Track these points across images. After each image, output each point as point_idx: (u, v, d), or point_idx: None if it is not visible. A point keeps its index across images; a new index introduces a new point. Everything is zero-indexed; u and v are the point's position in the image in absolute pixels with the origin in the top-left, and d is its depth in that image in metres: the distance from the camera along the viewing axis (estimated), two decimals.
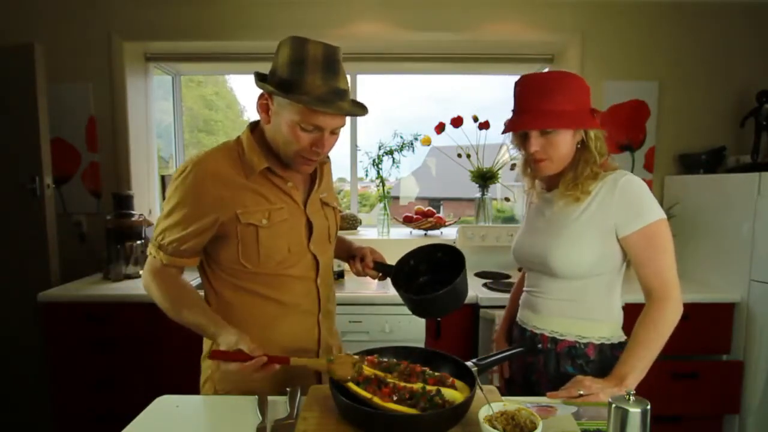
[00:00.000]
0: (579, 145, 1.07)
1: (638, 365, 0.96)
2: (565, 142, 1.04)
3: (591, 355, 1.06)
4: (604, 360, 1.06)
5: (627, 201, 1.01)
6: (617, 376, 0.96)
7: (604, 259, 1.05)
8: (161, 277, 1.00)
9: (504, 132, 1.11)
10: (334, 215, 1.15)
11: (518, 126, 1.06)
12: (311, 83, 0.91)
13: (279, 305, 1.04)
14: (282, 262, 1.02)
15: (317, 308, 1.09)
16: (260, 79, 0.97)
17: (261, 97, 0.97)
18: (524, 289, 1.21)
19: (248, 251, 0.99)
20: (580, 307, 1.08)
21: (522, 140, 1.08)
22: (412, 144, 2.48)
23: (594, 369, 1.06)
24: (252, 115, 3.39)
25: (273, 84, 0.94)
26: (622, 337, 1.09)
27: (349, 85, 1.00)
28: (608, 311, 1.09)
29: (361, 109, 1.01)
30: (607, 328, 1.08)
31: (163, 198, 2.27)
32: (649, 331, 0.98)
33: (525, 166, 1.17)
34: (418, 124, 2.76)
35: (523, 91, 1.06)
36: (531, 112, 1.03)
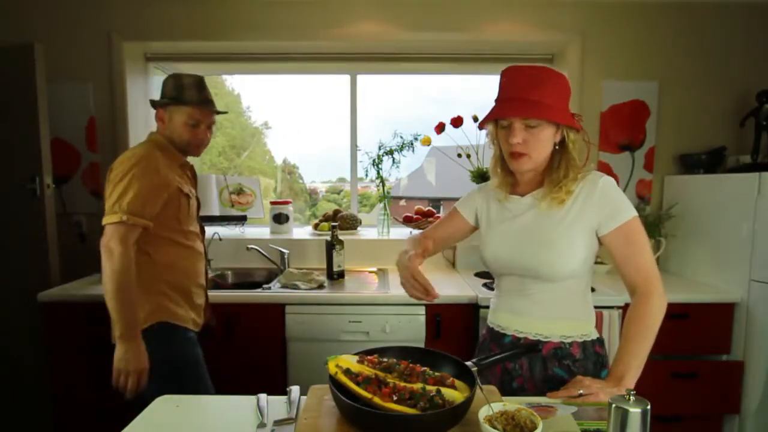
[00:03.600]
0: (557, 147, 1.06)
1: (633, 362, 0.96)
2: (547, 139, 1.03)
3: (576, 354, 1.07)
4: (589, 357, 1.08)
5: (606, 200, 1.03)
6: (615, 375, 0.96)
7: (588, 258, 1.07)
8: (128, 248, 1.29)
9: (487, 119, 1.06)
10: None
11: (504, 112, 1.02)
12: (190, 96, 1.46)
13: (195, 252, 1.51)
14: (192, 222, 1.50)
15: (205, 254, 1.60)
16: (154, 102, 1.50)
17: (158, 111, 1.48)
18: (498, 294, 1.19)
19: (182, 214, 1.44)
20: (563, 307, 1.08)
21: (504, 132, 1.05)
22: (412, 144, 2.48)
23: (580, 368, 1.06)
24: (253, 116, 3.41)
25: (166, 100, 1.45)
26: (597, 333, 1.11)
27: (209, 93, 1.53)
28: (586, 308, 1.11)
29: (222, 112, 1.60)
30: (586, 325, 1.10)
31: None
32: (639, 327, 0.99)
33: (498, 162, 1.14)
34: (418, 124, 2.76)
35: (511, 79, 1.03)
36: (518, 101, 1.00)
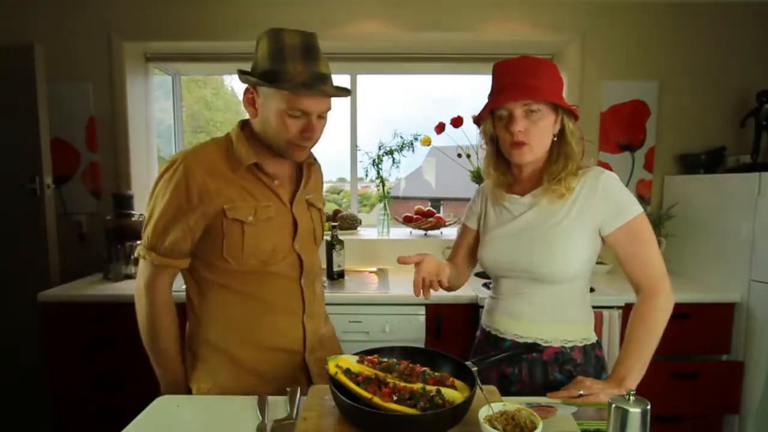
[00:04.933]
0: (555, 138, 1.03)
1: (636, 364, 0.95)
2: (547, 128, 1.00)
3: (577, 358, 1.04)
4: (589, 361, 1.05)
5: (610, 197, 1.00)
6: (617, 377, 0.95)
7: (591, 259, 1.04)
8: (154, 294, 1.01)
9: (486, 109, 1.03)
10: (319, 217, 1.16)
11: (505, 98, 0.98)
12: (292, 70, 0.93)
13: (261, 303, 1.04)
14: (266, 260, 1.02)
15: (301, 308, 1.09)
16: (243, 74, 0.99)
17: (246, 91, 1.00)
18: (493, 296, 1.15)
19: (233, 247, 0.99)
20: (564, 311, 1.04)
21: (503, 123, 1.01)
22: (412, 144, 2.48)
23: (581, 372, 1.03)
24: None
25: (256, 76, 0.96)
26: (595, 337, 1.08)
27: (330, 70, 1.01)
28: (586, 311, 1.08)
29: (343, 92, 1.00)
30: (587, 329, 1.07)
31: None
32: (643, 328, 0.97)
33: (491, 162, 1.11)
34: (418, 124, 2.76)
35: (504, 70, 1.01)
36: (517, 86, 0.97)
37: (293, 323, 1.08)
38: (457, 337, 1.84)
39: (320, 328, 1.16)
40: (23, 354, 2.06)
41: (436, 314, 1.82)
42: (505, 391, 1.07)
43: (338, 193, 3.20)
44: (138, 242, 2.12)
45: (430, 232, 2.52)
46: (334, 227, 2.10)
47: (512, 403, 0.79)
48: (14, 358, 2.10)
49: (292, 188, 1.09)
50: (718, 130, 2.32)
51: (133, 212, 2.17)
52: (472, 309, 1.82)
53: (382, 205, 2.54)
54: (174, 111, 2.72)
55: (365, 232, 2.58)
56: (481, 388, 0.83)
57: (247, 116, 1.06)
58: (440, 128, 2.45)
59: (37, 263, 2.01)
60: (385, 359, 0.91)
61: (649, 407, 0.67)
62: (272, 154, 1.02)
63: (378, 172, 2.50)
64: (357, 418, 0.79)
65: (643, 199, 2.37)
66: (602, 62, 2.31)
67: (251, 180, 1.01)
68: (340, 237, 2.12)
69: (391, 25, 2.29)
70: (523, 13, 2.27)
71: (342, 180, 2.88)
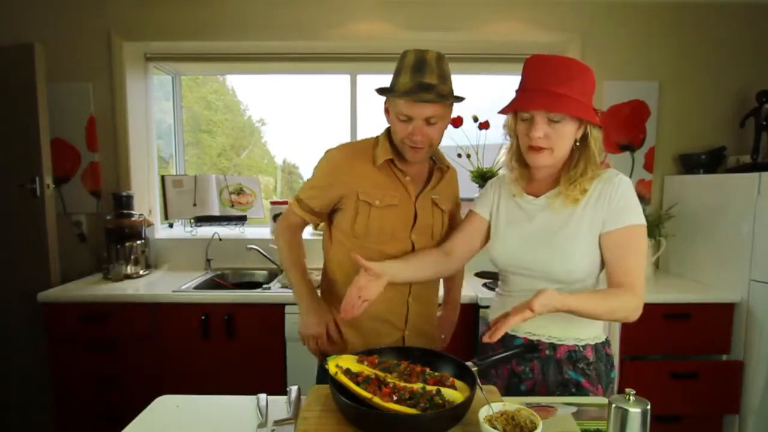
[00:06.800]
0: (577, 143, 1.01)
1: (579, 301, 0.91)
2: (569, 135, 0.98)
3: (590, 356, 1.04)
4: (600, 359, 1.05)
5: (618, 199, 0.98)
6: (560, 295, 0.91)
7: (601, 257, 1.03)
8: (291, 232, 1.29)
9: (508, 109, 1.01)
10: (441, 217, 1.29)
11: (528, 105, 0.97)
12: (402, 82, 1.12)
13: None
14: (385, 240, 1.21)
15: (408, 289, 1.24)
16: (379, 88, 1.22)
17: (385, 100, 1.21)
18: (504, 292, 1.14)
19: (360, 223, 1.20)
20: None
21: (525, 124, 1.00)
22: None
23: (594, 370, 1.04)
24: (253, 115, 3.40)
25: (386, 89, 1.18)
26: (605, 335, 1.08)
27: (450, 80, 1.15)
28: None
29: (444, 98, 1.11)
30: (597, 327, 1.07)
31: (164, 198, 2.31)
32: (604, 293, 0.95)
33: (514, 155, 1.09)
34: None
35: (537, 69, 0.98)
36: (545, 93, 0.95)
37: (399, 301, 1.24)
38: (457, 337, 1.83)
39: (427, 311, 1.32)
40: (23, 354, 2.06)
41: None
42: (514, 389, 1.07)
43: None
44: (139, 241, 2.14)
45: None
46: None
47: (512, 403, 0.80)
48: (14, 358, 2.10)
49: (421, 186, 1.26)
50: (718, 130, 2.32)
51: (132, 212, 2.17)
52: (472, 309, 1.82)
53: None
54: (174, 111, 2.72)
55: None
56: (481, 388, 0.83)
57: None
58: None
59: (37, 263, 2.01)
60: (385, 359, 0.91)
61: (649, 407, 0.68)
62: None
63: None
64: (357, 418, 0.79)
65: (643, 199, 2.37)
66: (602, 62, 2.31)
67: (386, 173, 1.22)
68: None
69: (391, 25, 2.29)
70: (524, 13, 2.28)
71: None
